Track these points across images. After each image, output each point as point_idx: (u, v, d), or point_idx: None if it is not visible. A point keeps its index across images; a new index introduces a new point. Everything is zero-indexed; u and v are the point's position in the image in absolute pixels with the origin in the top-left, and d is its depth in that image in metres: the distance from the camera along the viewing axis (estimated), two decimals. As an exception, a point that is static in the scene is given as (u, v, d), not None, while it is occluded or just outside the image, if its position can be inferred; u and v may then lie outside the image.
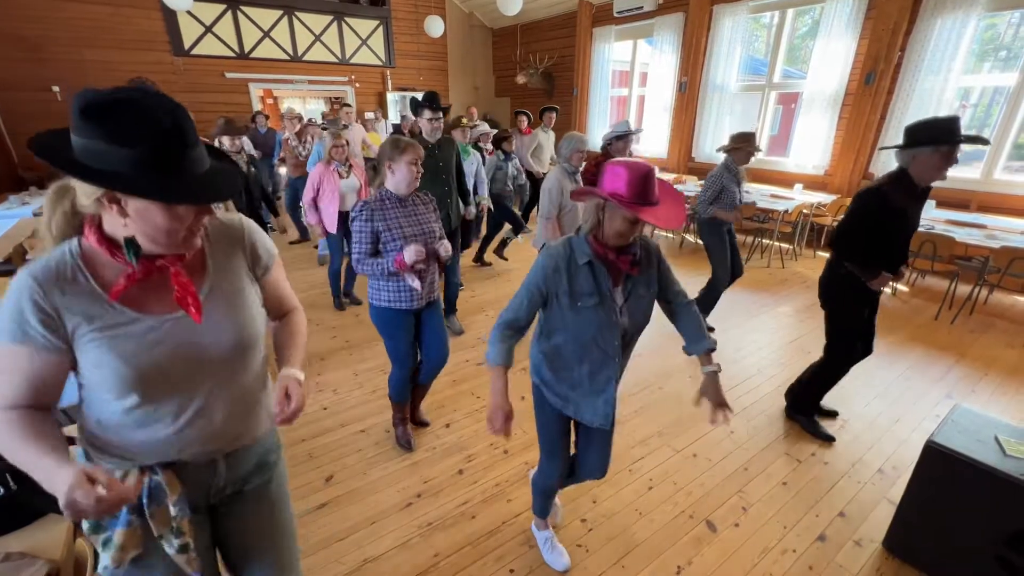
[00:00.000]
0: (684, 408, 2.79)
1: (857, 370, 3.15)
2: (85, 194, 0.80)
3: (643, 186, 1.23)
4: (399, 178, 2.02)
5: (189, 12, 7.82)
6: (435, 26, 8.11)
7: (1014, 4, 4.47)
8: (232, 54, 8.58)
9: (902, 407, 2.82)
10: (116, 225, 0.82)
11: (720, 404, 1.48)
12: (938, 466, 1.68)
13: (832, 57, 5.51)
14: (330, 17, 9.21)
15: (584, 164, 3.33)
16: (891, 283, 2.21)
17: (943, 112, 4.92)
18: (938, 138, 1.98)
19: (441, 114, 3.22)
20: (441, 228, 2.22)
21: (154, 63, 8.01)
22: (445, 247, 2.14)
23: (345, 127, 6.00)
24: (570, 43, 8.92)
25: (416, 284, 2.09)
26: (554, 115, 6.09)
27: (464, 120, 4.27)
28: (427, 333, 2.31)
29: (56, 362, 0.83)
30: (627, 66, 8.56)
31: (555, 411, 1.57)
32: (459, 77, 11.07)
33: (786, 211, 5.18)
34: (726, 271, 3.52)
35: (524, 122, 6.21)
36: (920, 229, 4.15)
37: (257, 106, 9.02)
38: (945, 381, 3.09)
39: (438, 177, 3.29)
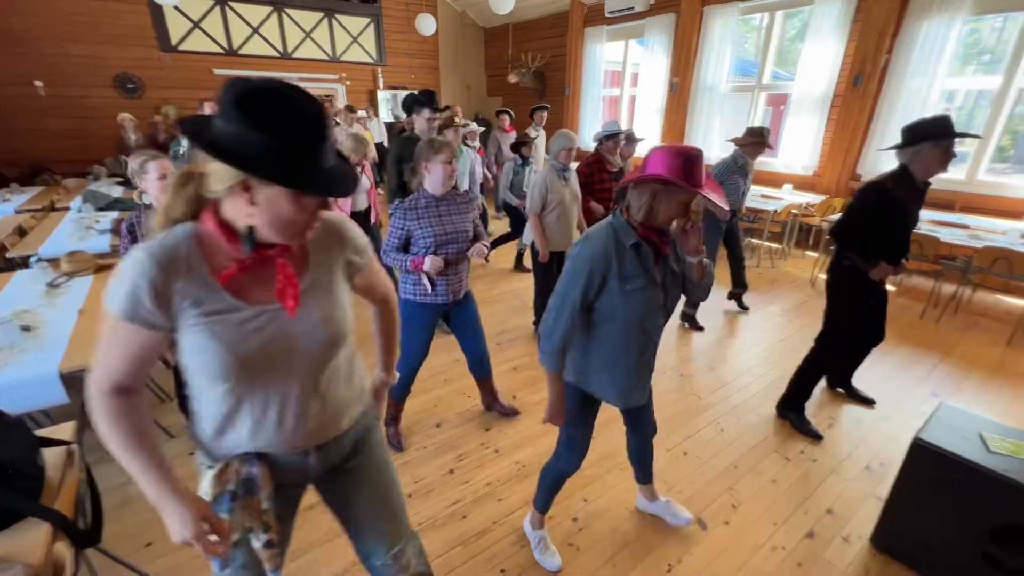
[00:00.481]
0: (675, 407, 2.80)
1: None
2: (220, 180, 0.81)
3: (695, 165, 1.29)
4: (435, 178, 2.07)
5: (176, 7, 7.70)
6: (427, 24, 8.08)
7: (997, 8, 4.55)
8: (221, 50, 8.48)
9: (889, 405, 2.85)
10: (238, 213, 0.84)
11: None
12: (925, 463, 1.70)
13: (820, 59, 5.56)
14: (320, 14, 9.14)
15: (576, 164, 3.34)
16: (892, 274, 2.34)
17: (929, 114, 5.00)
18: (937, 134, 2.10)
19: (439, 114, 3.24)
20: (479, 227, 2.28)
21: (141, 58, 7.89)
22: (478, 249, 2.20)
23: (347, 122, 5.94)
24: (562, 43, 8.93)
25: (426, 283, 2.16)
26: (545, 114, 6.09)
27: (457, 120, 4.27)
28: (460, 328, 2.41)
29: (159, 341, 0.86)
30: (619, 66, 8.59)
31: (592, 404, 1.64)
32: (451, 76, 11.03)
33: (775, 211, 5.22)
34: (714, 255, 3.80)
35: (506, 121, 6.20)
36: (906, 229, 4.21)
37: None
38: (931, 379, 3.14)
39: None
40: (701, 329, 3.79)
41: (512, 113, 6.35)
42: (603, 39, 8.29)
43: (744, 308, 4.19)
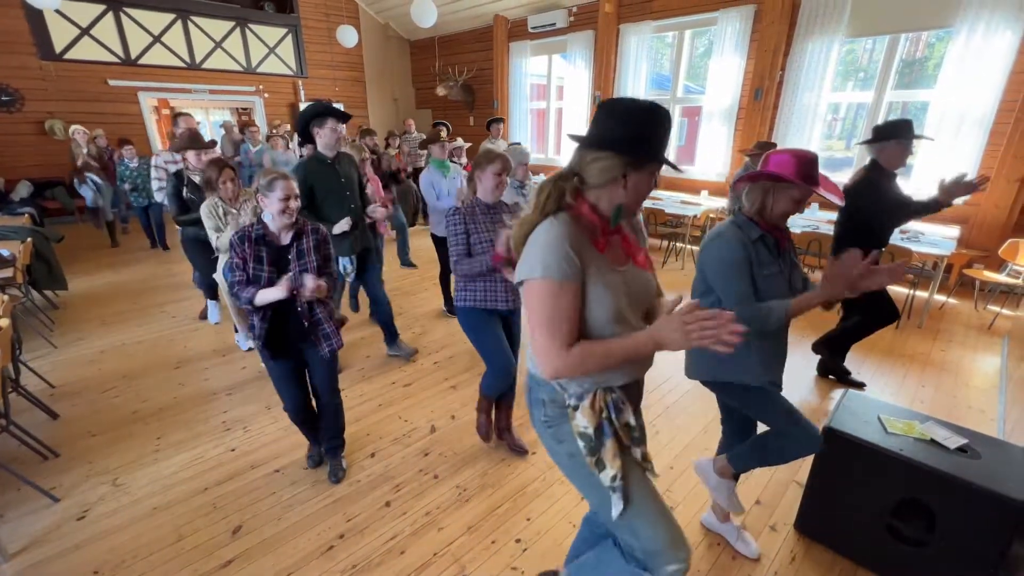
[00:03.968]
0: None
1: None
2: (605, 171, 1.08)
3: (813, 169, 1.49)
4: (486, 186, 2.18)
5: (59, 11, 6.95)
6: (348, 36, 7.86)
7: (869, 31, 5.15)
8: (116, 59, 7.74)
9: (799, 394, 3.07)
10: (603, 197, 1.11)
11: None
12: (835, 449, 1.82)
13: (726, 74, 6.03)
14: (231, 23, 8.62)
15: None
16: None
17: (819, 125, 5.56)
18: (901, 134, 2.58)
19: (344, 126, 2.93)
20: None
21: (17, 67, 7.03)
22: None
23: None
24: (488, 56, 9.04)
25: (511, 277, 2.17)
26: (502, 126, 6.11)
27: (443, 134, 4.21)
28: (517, 340, 2.43)
29: (578, 299, 1.07)
30: (544, 80, 8.82)
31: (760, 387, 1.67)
32: (377, 88, 10.81)
33: (695, 216, 5.55)
34: None
35: (443, 133, 6.16)
36: (807, 229, 4.62)
37: (149, 117, 8.20)
38: (836, 366, 3.43)
39: (342, 195, 2.96)
40: None
41: (449, 126, 6.31)
42: (527, 54, 8.49)
43: None
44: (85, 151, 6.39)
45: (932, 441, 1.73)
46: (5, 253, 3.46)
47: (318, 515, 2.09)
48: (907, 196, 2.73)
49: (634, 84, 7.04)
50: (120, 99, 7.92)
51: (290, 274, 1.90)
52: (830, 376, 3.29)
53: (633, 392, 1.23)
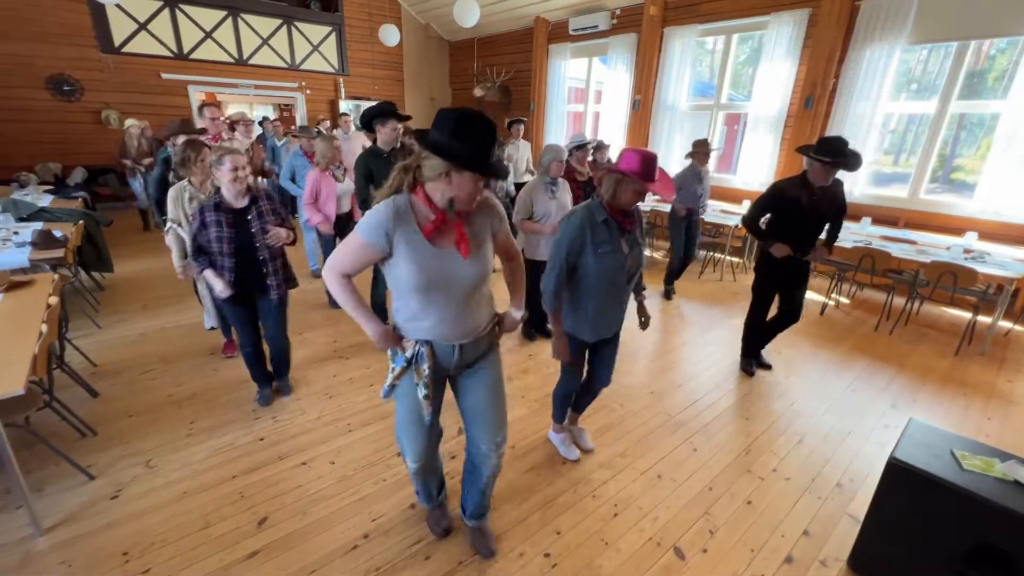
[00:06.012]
0: (647, 426, 2.73)
1: (809, 385, 3.24)
2: (432, 168, 1.30)
3: (650, 167, 1.79)
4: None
5: (119, 6, 7.27)
6: (390, 35, 7.94)
7: (935, 38, 4.85)
8: (169, 54, 8.04)
9: (852, 419, 2.88)
10: (436, 190, 1.34)
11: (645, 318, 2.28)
12: (900, 482, 1.67)
13: (774, 81, 5.79)
14: (279, 21, 8.85)
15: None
16: (789, 253, 2.93)
17: (873, 135, 5.28)
18: (819, 154, 2.69)
19: (402, 126, 3.28)
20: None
21: (79, 59, 7.37)
22: None
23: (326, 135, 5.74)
24: (527, 58, 8.99)
25: None
26: (522, 127, 6.10)
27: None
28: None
29: (375, 257, 1.40)
30: (583, 83, 8.72)
31: (581, 346, 2.12)
32: (415, 88, 10.92)
33: (736, 226, 5.34)
34: (678, 251, 4.76)
35: None
36: (859, 244, 4.37)
37: (197, 109, 8.48)
38: (889, 391, 3.21)
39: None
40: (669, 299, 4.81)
41: (525, 120, 6.35)
42: (567, 56, 8.40)
43: (669, 298, 4.85)
44: (137, 145, 6.61)
45: (1016, 483, 1.56)
46: (58, 235, 3.59)
47: (343, 512, 2.05)
48: (803, 218, 2.86)
49: (676, 89, 6.86)
50: (171, 92, 8.22)
51: (228, 277, 2.38)
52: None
53: (443, 354, 1.53)
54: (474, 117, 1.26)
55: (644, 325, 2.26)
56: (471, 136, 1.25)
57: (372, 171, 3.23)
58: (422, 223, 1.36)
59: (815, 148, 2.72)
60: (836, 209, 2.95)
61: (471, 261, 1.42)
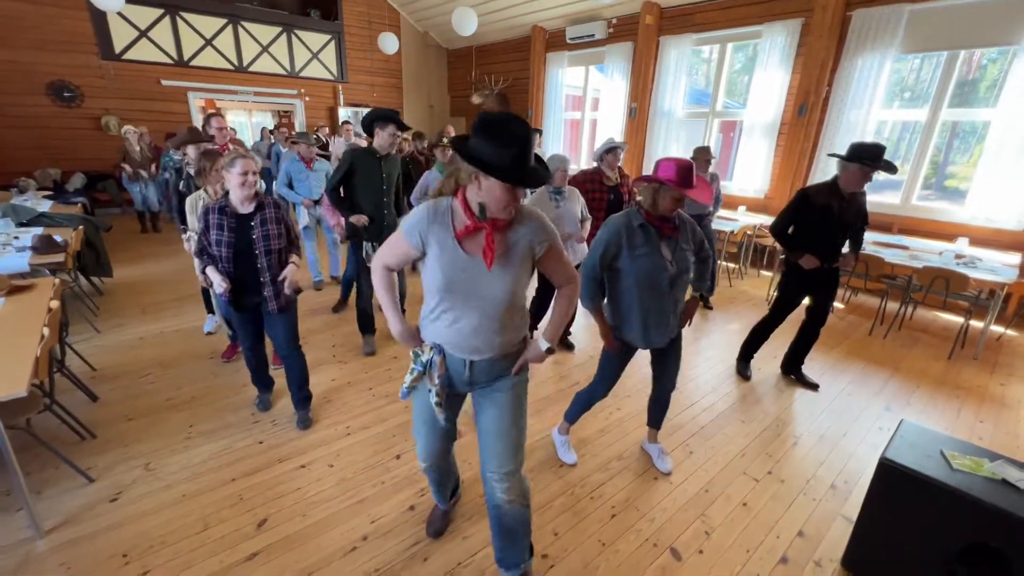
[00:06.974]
0: (643, 430, 2.74)
1: (805, 389, 3.27)
2: (468, 172, 1.31)
3: (687, 175, 1.87)
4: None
5: (120, 14, 7.33)
6: (389, 43, 8.03)
7: (925, 48, 4.94)
8: (170, 61, 8.10)
9: (847, 421, 2.91)
10: (473, 194, 1.33)
11: (687, 317, 2.20)
12: (891, 483, 1.70)
13: (769, 89, 5.88)
14: (279, 29, 8.93)
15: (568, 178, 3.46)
16: (817, 264, 2.89)
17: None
18: (863, 158, 2.63)
19: (401, 133, 3.30)
20: None
21: (79, 66, 7.42)
22: None
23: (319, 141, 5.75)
24: (525, 66, 9.09)
25: None
26: (539, 137, 6.12)
27: (445, 140, 4.34)
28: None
29: (411, 253, 1.42)
30: (580, 91, 8.81)
31: (627, 348, 2.15)
32: (413, 95, 11.00)
33: (732, 232, 5.39)
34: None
35: (445, 139, 6.22)
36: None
37: (196, 116, 8.53)
38: (883, 394, 3.24)
39: (379, 189, 3.34)
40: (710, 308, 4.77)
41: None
42: (564, 64, 8.49)
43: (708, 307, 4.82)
44: (139, 150, 6.66)
45: (1004, 482, 1.59)
46: (59, 239, 3.61)
47: (342, 515, 2.07)
48: (831, 226, 2.83)
49: (672, 97, 6.94)
50: (171, 98, 8.26)
51: (224, 274, 2.34)
52: (791, 376, 3.42)
53: (454, 367, 1.50)
54: (501, 121, 1.23)
55: (679, 324, 2.17)
56: (497, 140, 1.21)
57: (356, 168, 3.23)
58: (458, 227, 1.36)
59: (850, 153, 2.68)
60: (861, 218, 2.93)
61: (496, 274, 1.36)
